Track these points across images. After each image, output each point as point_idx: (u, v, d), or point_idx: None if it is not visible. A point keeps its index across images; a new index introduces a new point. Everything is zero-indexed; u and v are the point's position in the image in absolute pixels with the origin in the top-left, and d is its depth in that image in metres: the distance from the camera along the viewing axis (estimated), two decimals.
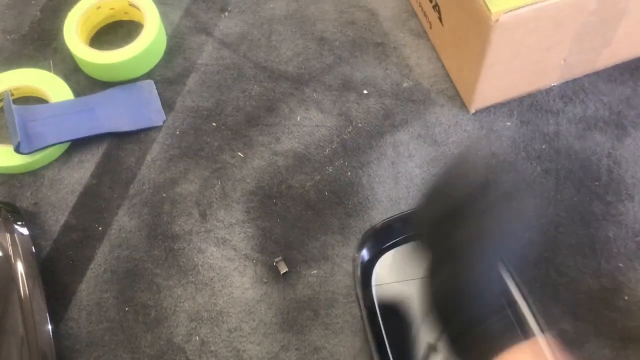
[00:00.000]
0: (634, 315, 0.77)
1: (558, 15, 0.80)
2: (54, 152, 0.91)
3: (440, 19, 0.92)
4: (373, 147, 0.91)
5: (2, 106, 0.95)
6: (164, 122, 0.94)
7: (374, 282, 0.72)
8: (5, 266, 0.77)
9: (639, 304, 0.78)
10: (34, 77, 0.96)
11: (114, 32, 1.04)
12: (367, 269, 0.73)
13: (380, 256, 0.74)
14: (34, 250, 0.82)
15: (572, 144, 0.89)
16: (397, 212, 0.81)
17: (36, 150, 0.88)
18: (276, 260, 0.82)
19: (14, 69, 0.98)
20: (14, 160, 0.89)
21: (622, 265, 0.80)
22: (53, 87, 0.95)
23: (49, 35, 1.04)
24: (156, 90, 0.96)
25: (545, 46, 0.85)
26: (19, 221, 0.83)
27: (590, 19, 0.83)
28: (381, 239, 0.74)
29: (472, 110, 0.92)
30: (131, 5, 1.02)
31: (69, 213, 0.88)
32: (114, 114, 0.94)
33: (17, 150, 0.87)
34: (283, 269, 0.81)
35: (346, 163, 0.90)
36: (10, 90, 0.95)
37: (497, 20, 0.76)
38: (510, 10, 0.76)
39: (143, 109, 0.95)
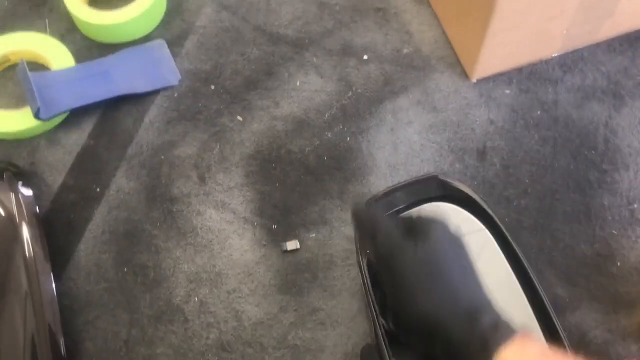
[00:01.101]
0: (626, 281, 0.79)
1: None
2: (62, 114, 0.90)
3: None
4: (372, 113, 0.91)
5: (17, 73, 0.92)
6: (179, 81, 0.93)
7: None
8: (9, 227, 0.77)
9: (632, 270, 0.79)
10: (32, 41, 0.94)
11: None
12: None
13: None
14: (37, 211, 0.82)
15: (570, 112, 0.89)
16: (398, 181, 0.81)
17: (55, 115, 0.87)
18: (284, 247, 0.81)
19: (8, 27, 0.96)
20: (25, 123, 0.88)
21: (615, 232, 0.81)
22: (52, 51, 0.93)
23: None
24: (168, 50, 0.95)
25: (549, 15, 0.84)
26: (23, 182, 0.82)
27: None
28: (382, 207, 0.74)
29: (474, 79, 0.92)
30: None
31: (66, 174, 0.87)
32: (129, 76, 0.93)
33: (37, 116, 0.85)
34: (295, 246, 0.81)
35: (345, 129, 0.90)
36: (8, 55, 0.94)
37: None
38: None
39: (157, 69, 0.93)
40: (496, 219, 0.69)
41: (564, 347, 0.62)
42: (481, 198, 0.70)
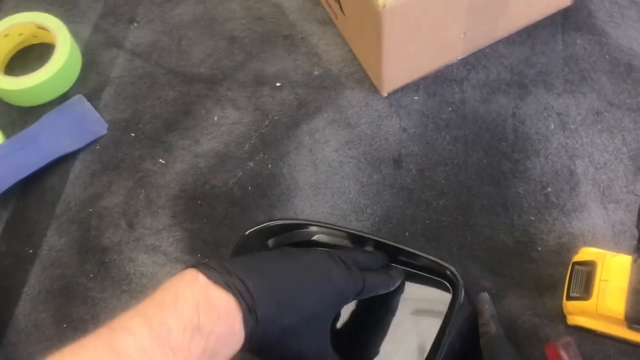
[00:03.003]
0: (547, 264, 0.81)
1: None
2: None
3: (341, 9, 0.94)
4: (290, 137, 0.93)
5: None
6: (108, 129, 0.95)
7: None
8: None
9: (552, 252, 0.82)
10: None
11: (26, 56, 1.04)
12: None
13: None
14: None
15: (478, 109, 0.92)
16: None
17: None
18: None
19: None
20: None
21: (533, 218, 0.84)
22: None
23: None
24: (88, 103, 0.97)
25: (441, 24, 0.87)
26: None
27: None
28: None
29: (385, 94, 0.95)
30: (40, 27, 1.03)
31: None
32: (58, 138, 0.95)
33: None
34: None
35: (266, 156, 0.92)
36: None
37: (384, 6, 0.78)
38: None
39: (84, 124, 0.96)
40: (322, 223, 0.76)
41: None
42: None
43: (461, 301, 0.66)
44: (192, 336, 0.50)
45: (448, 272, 0.69)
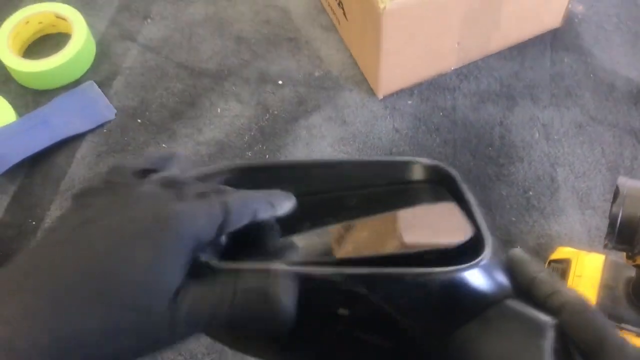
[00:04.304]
0: None
1: (443, 0, 0.89)
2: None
3: (344, 14, 1.00)
4: (289, 131, 0.98)
5: None
6: (115, 115, 1.00)
7: None
8: None
9: (530, 252, 0.86)
10: None
11: (43, 44, 1.10)
12: None
13: None
14: None
15: (468, 115, 0.98)
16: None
17: (6, 171, 0.93)
18: None
19: None
20: None
21: (514, 219, 0.89)
22: None
23: None
24: (99, 89, 1.02)
25: (436, 32, 0.93)
26: None
27: (474, 3, 0.92)
28: None
29: (380, 96, 1.00)
30: (58, 17, 1.09)
31: (3, 212, 0.92)
32: (68, 119, 1.00)
33: None
34: None
35: (264, 147, 0.97)
36: None
37: (384, 8, 0.85)
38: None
39: (93, 108, 1.01)
40: None
41: None
42: None
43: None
44: None
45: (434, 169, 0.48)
